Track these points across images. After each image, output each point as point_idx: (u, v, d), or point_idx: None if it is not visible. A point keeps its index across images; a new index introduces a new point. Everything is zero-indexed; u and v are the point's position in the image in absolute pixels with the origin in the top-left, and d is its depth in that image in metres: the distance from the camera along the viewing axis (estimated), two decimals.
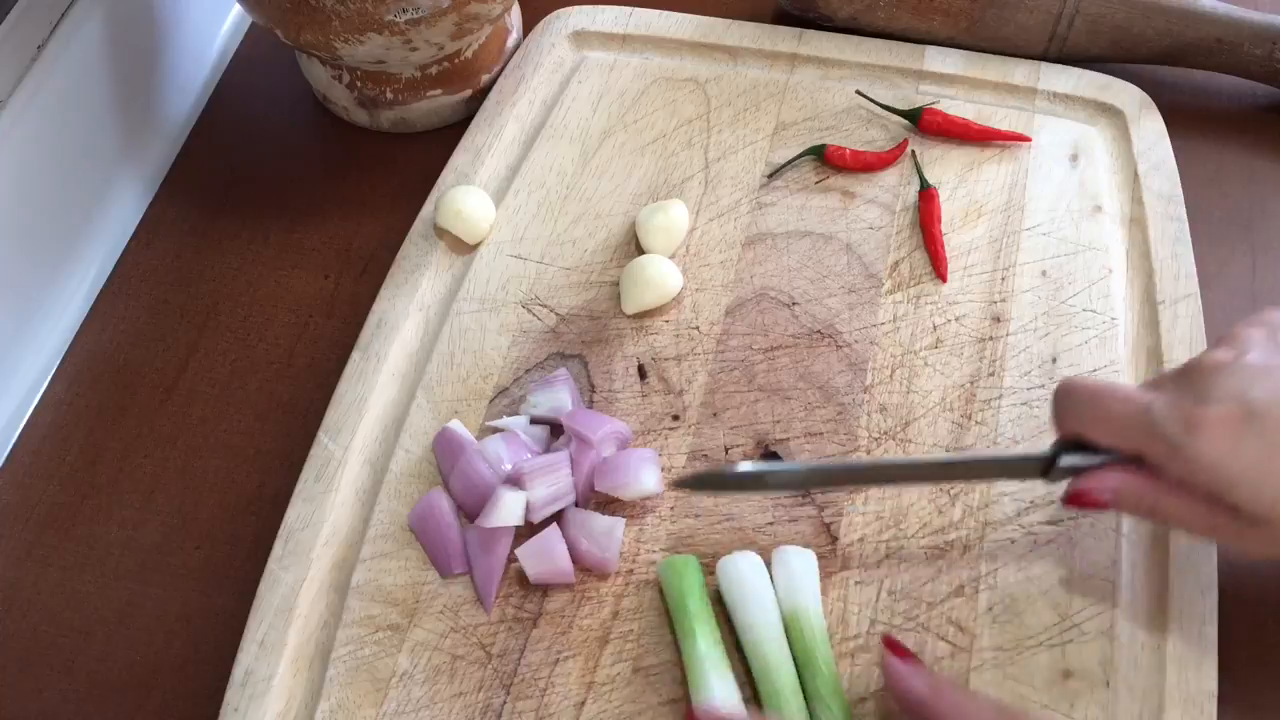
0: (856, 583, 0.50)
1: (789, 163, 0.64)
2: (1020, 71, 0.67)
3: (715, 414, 0.56)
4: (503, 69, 0.70)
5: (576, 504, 0.52)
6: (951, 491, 0.53)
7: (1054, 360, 0.56)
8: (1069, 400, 0.47)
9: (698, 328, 0.58)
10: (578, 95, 0.67)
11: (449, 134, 0.67)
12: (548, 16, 0.71)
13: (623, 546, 0.51)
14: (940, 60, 0.68)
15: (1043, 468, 0.48)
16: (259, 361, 0.61)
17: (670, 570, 0.49)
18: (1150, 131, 0.64)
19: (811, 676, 0.46)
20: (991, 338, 0.57)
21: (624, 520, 0.51)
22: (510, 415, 0.55)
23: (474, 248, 0.62)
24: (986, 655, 0.48)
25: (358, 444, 0.55)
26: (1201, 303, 0.58)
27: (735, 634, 0.48)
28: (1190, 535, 0.48)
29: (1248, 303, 0.61)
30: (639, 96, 0.67)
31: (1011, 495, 0.52)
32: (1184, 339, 0.56)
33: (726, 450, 0.54)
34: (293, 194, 0.68)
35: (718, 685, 0.46)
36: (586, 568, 0.51)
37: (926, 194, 0.62)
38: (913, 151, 0.64)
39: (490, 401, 0.56)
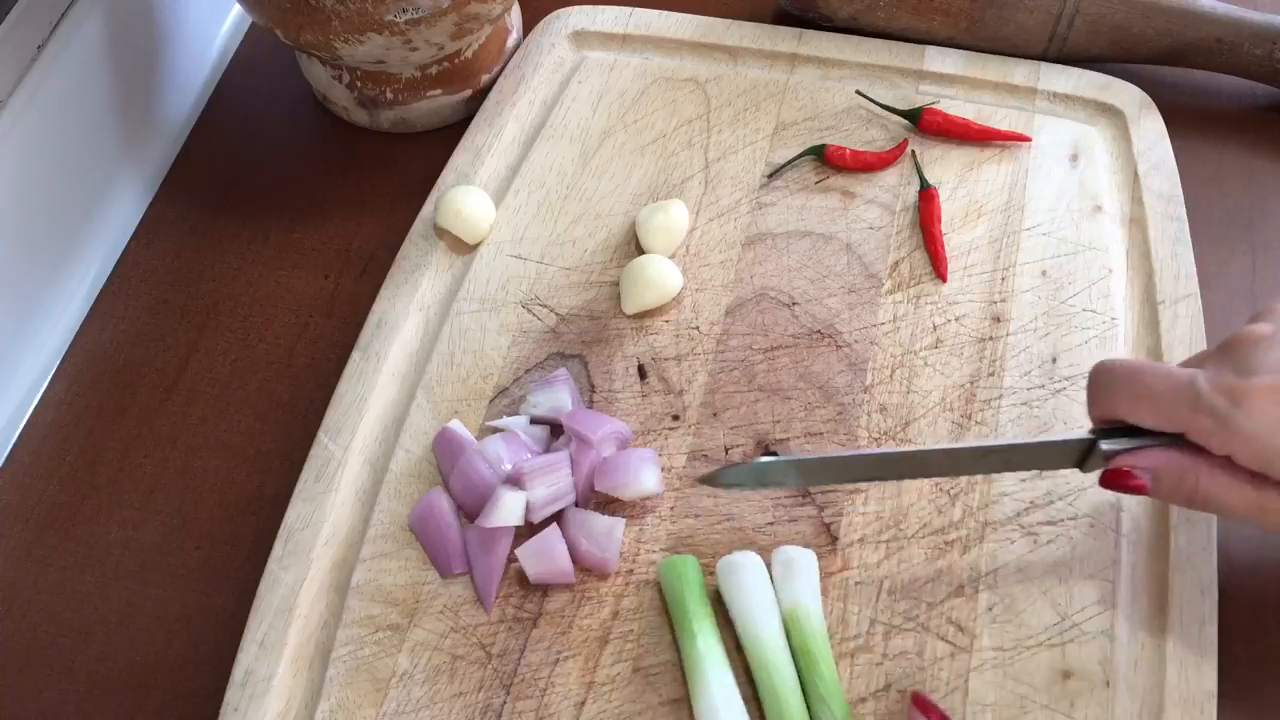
0: (856, 583, 0.50)
1: (789, 163, 0.64)
2: (1020, 71, 0.67)
3: (715, 414, 0.56)
4: (503, 69, 0.70)
5: (576, 504, 0.52)
6: (951, 491, 0.53)
7: (1054, 360, 0.56)
8: (1108, 379, 0.46)
9: (698, 328, 0.58)
10: (578, 95, 0.67)
11: (449, 134, 0.67)
12: (548, 16, 0.71)
13: (623, 546, 0.51)
14: (940, 60, 0.68)
15: (1079, 456, 0.47)
16: (259, 361, 0.61)
17: (670, 570, 0.49)
18: (1150, 131, 0.64)
19: (811, 676, 0.46)
20: (991, 338, 0.57)
21: (624, 520, 0.51)
22: (510, 415, 0.55)
23: (474, 248, 0.62)
24: (986, 655, 0.48)
25: (358, 444, 0.55)
26: (1201, 303, 0.58)
27: (735, 634, 0.48)
28: (1234, 520, 0.46)
29: (1248, 303, 0.61)
30: (639, 96, 0.67)
31: (1011, 495, 0.52)
32: (1184, 339, 0.56)
33: (726, 450, 0.54)
34: (293, 194, 0.68)
35: (718, 685, 0.46)
36: (586, 568, 0.51)
37: (926, 194, 0.62)
38: (913, 151, 0.64)
39: (490, 401, 0.56)
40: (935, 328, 0.58)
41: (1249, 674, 0.49)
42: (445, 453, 0.54)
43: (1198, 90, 0.70)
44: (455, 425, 0.54)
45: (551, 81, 0.68)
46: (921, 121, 0.64)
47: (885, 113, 0.66)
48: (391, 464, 0.54)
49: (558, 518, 0.51)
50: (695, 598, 0.48)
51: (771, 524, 0.52)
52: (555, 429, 0.55)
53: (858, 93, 0.66)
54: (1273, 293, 0.61)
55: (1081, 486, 0.52)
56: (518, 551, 0.50)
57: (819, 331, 0.58)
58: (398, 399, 0.57)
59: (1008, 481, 0.53)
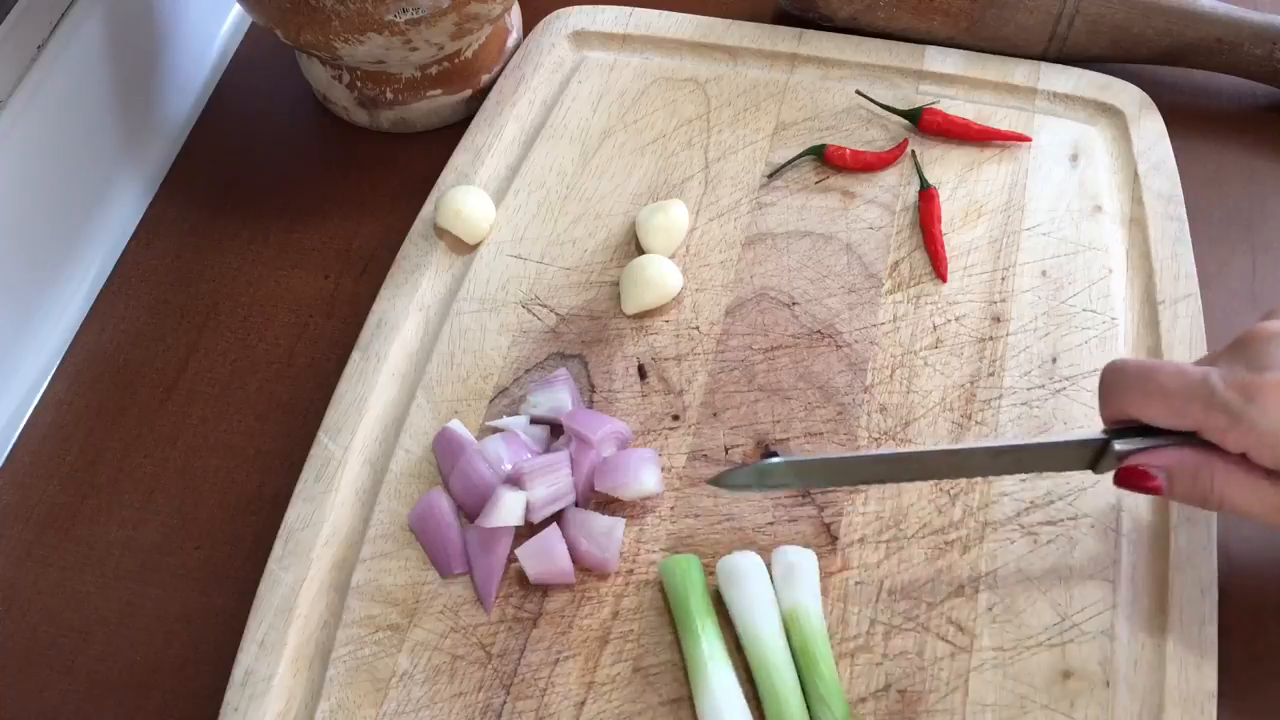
0: (856, 583, 0.50)
1: (789, 163, 0.64)
2: (1020, 71, 0.67)
3: (715, 414, 0.56)
4: (503, 69, 0.70)
5: (576, 504, 0.52)
6: (951, 491, 0.53)
7: (1054, 360, 0.56)
8: (1119, 378, 0.45)
9: (698, 328, 0.58)
10: (578, 95, 0.67)
11: (449, 134, 0.67)
12: (548, 16, 0.71)
13: (623, 546, 0.51)
14: (940, 60, 0.68)
15: (1092, 457, 0.47)
16: (259, 361, 0.61)
17: (672, 569, 0.49)
18: (1150, 131, 0.64)
19: (811, 676, 0.46)
20: (991, 338, 0.57)
21: (624, 520, 0.51)
22: (510, 415, 0.55)
23: (474, 248, 0.62)
24: (986, 655, 0.48)
25: (358, 444, 0.55)
26: (1201, 303, 0.58)
27: (735, 634, 0.48)
28: (1252, 521, 0.45)
29: (1248, 303, 0.61)
30: (639, 96, 0.67)
31: (1011, 495, 0.52)
32: (1184, 339, 0.56)
33: (726, 450, 0.54)
34: (293, 194, 0.68)
35: (720, 685, 0.46)
36: (586, 568, 0.51)
37: (926, 194, 0.62)
38: (913, 151, 0.64)
39: (490, 401, 0.56)
40: (935, 328, 0.58)
41: (1249, 674, 0.49)
42: (445, 453, 0.54)
43: (1198, 90, 0.70)
44: (455, 425, 0.54)
45: (551, 81, 0.68)
46: (921, 121, 0.64)
47: (885, 113, 0.66)
48: (391, 464, 0.54)
49: (558, 518, 0.51)
50: (698, 598, 0.48)
51: (771, 524, 0.52)
52: (555, 429, 0.55)
53: (858, 93, 0.66)
54: (1273, 292, 0.61)
55: (1081, 486, 0.52)
56: (518, 551, 0.50)
57: (819, 331, 0.58)
58: (398, 399, 0.57)
59: (1008, 481, 0.53)
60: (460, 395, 0.56)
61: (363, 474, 0.54)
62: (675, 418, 0.56)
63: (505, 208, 0.63)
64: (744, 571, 0.49)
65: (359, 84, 0.67)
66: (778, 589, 0.49)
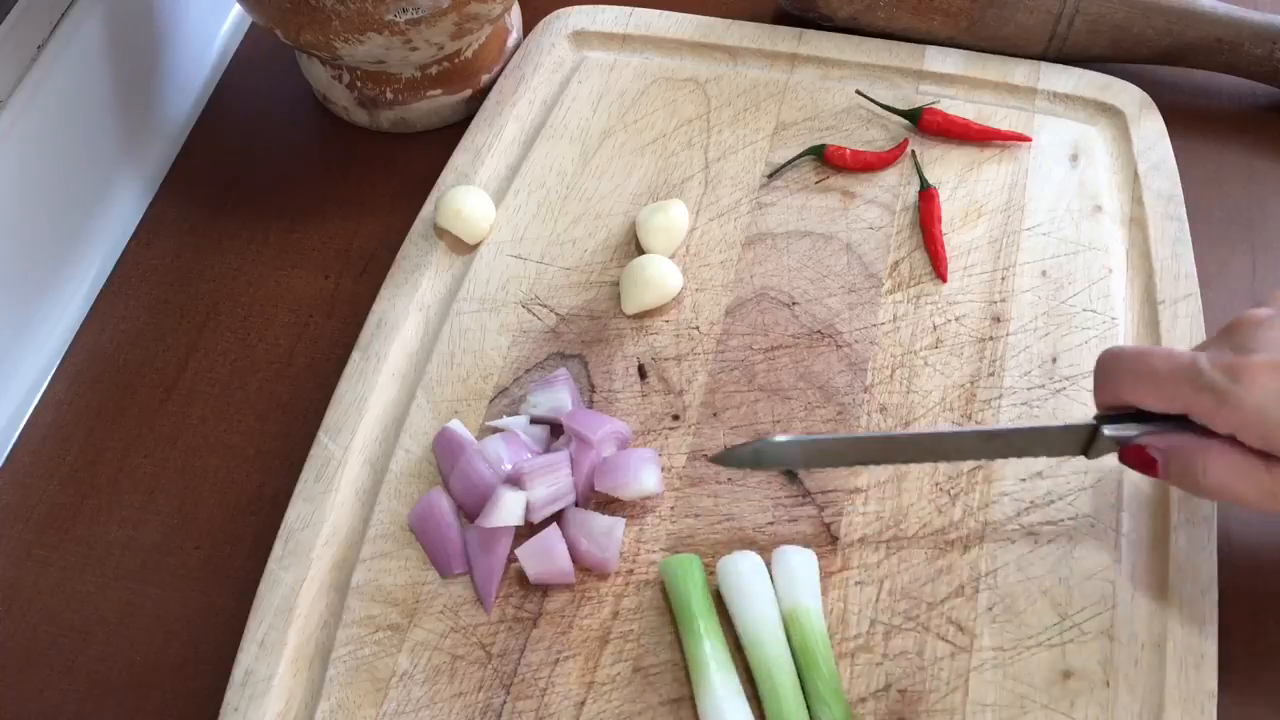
0: (856, 583, 0.50)
1: (789, 163, 0.64)
2: (1020, 71, 0.67)
3: (715, 414, 0.56)
4: (503, 69, 0.70)
5: (576, 504, 0.52)
6: (951, 491, 0.53)
7: (1054, 360, 0.56)
8: (1114, 364, 0.47)
9: (698, 328, 0.58)
10: (578, 95, 0.67)
11: (449, 134, 0.67)
12: (548, 16, 0.71)
13: (623, 546, 0.52)
14: (940, 60, 0.68)
15: (1083, 442, 0.48)
16: (259, 361, 0.61)
17: (673, 569, 0.49)
18: (1150, 131, 0.64)
19: (811, 676, 0.46)
20: (991, 338, 0.57)
21: (624, 520, 0.51)
22: (510, 415, 0.55)
23: (474, 248, 0.62)
24: (986, 655, 0.48)
25: (358, 444, 0.55)
26: (1201, 303, 0.58)
27: (735, 633, 0.48)
28: (1245, 508, 0.46)
29: (1248, 303, 0.60)
30: (639, 96, 0.67)
31: (1011, 495, 0.52)
32: (1184, 339, 0.56)
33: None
34: (293, 194, 0.68)
35: (722, 685, 0.46)
36: (586, 568, 0.51)
37: (926, 194, 0.62)
38: (913, 151, 0.64)
39: (490, 401, 0.56)
40: (935, 328, 0.58)
41: (1249, 674, 0.49)
42: (445, 453, 0.54)
43: (1198, 90, 0.70)
44: (455, 425, 0.54)
45: (551, 81, 0.68)
46: (921, 121, 0.64)
47: (885, 113, 0.66)
48: (391, 464, 0.54)
49: (558, 518, 0.51)
50: (699, 597, 0.48)
51: (771, 524, 0.52)
52: (555, 429, 0.55)
53: (858, 93, 0.66)
54: (1273, 293, 0.61)
55: (1082, 486, 0.52)
56: (518, 551, 0.50)
57: (819, 331, 0.58)
58: (398, 399, 0.57)
59: (1008, 481, 0.53)
60: (460, 395, 0.56)
61: (363, 474, 0.54)
62: (675, 418, 0.56)
63: (505, 208, 0.63)
64: (744, 571, 0.49)
65: (359, 84, 0.67)
66: (778, 589, 0.49)
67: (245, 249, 0.66)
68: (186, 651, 0.53)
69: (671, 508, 0.53)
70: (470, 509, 0.52)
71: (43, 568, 0.55)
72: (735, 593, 0.49)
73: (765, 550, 0.50)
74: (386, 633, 0.50)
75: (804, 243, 0.61)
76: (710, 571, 0.50)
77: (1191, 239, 0.60)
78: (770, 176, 0.64)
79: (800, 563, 0.49)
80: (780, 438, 0.50)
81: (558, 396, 0.55)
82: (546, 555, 0.50)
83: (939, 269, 0.59)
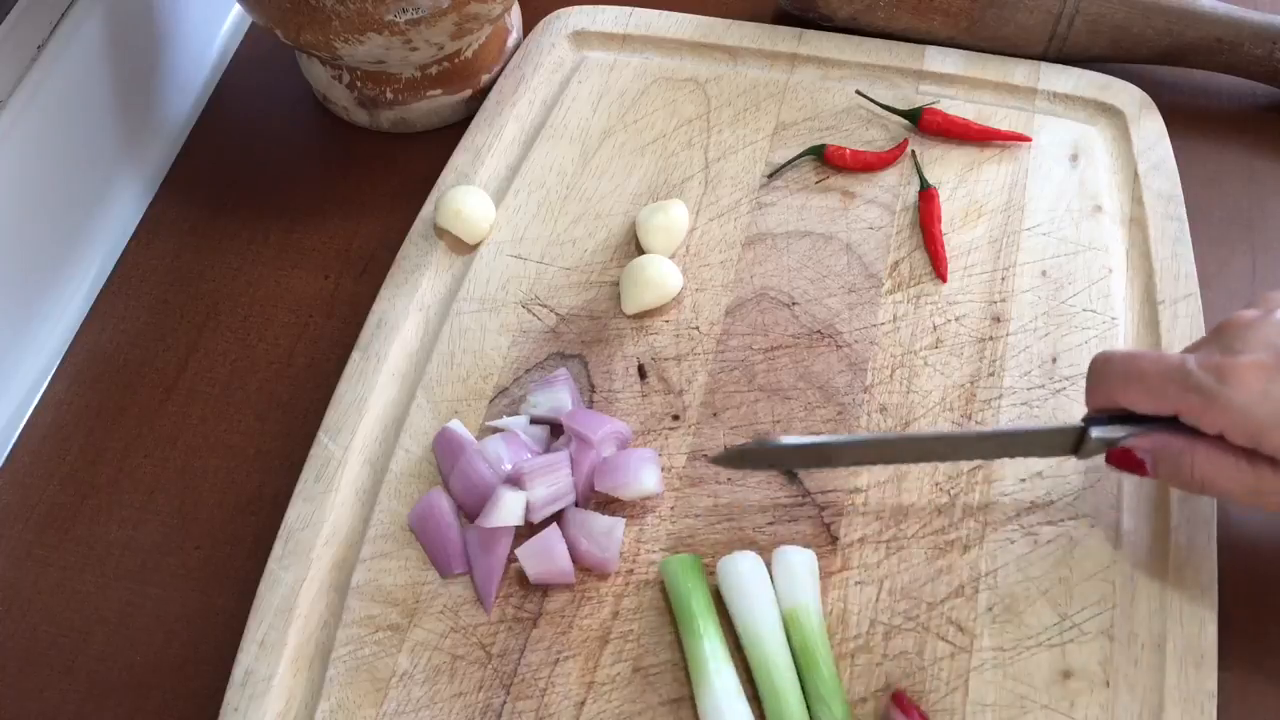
0: (856, 583, 0.50)
1: (789, 163, 0.64)
2: (1020, 71, 0.67)
3: (715, 414, 0.56)
4: (503, 69, 0.70)
5: (576, 504, 0.52)
6: (951, 491, 0.53)
7: (1054, 360, 0.56)
8: (1106, 367, 0.48)
9: (698, 328, 0.58)
10: (578, 95, 0.67)
11: (449, 134, 0.67)
12: (548, 16, 0.71)
13: (623, 546, 0.52)
14: (940, 60, 0.68)
15: (1073, 443, 0.49)
16: (259, 361, 0.61)
17: (673, 569, 0.49)
18: (1150, 131, 0.64)
19: (811, 676, 0.46)
20: (991, 338, 0.57)
21: (624, 520, 0.51)
22: (510, 415, 0.55)
23: (474, 248, 0.62)
24: (986, 655, 0.48)
25: (358, 444, 0.55)
26: (1201, 303, 0.58)
27: (735, 633, 0.48)
28: (1233, 504, 0.48)
29: (1247, 303, 0.60)
30: (639, 96, 0.67)
31: (1011, 495, 0.52)
32: (1184, 339, 0.56)
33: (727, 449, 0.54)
34: (293, 194, 0.68)
35: (722, 685, 0.46)
36: (586, 568, 0.51)
37: (926, 194, 0.62)
38: (913, 151, 0.64)
39: (490, 401, 0.56)
40: (935, 328, 0.58)
41: (1249, 674, 0.49)
42: (445, 453, 0.54)
43: (1198, 90, 0.70)
44: (455, 425, 0.54)
45: (551, 81, 0.68)
46: (921, 121, 0.64)
47: (885, 113, 0.66)
48: (391, 464, 0.54)
49: (558, 518, 0.51)
50: (699, 597, 0.48)
51: (771, 524, 0.52)
52: (555, 429, 0.55)
53: (858, 93, 0.66)
54: (1262, 295, 0.61)
55: (1081, 486, 0.52)
56: (518, 551, 0.50)
57: (819, 331, 0.58)
58: (398, 399, 0.57)
59: (1008, 482, 0.53)
60: (460, 395, 0.56)
61: (363, 474, 0.54)
62: (675, 418, 0.56)
63: (505, 208, 0.63)
64: (744, 572, 0.49)
65: (359, 84, 0.67)
66: (778, 589, 0.49)
67: (245, 249, 0.66)
68: (186, 651, 0.53)
69: (671, 508, 0.53)
70: (470, 509, 0.52)
71: (43, 568, 0.55)
72: (735, 593, 0.49)
73: (765, 550, 0.50)
74: (386, 633, 0.50)
75: (804, 243, 0.61)
76: (710, 571, 0.50)
77: (1191, 239, 0.60)
78: (770, 176, 0.64)
79: (800, 562, 0.49)
80: (778, 439, 0.51)
81: (558, 396, 0.55)
82: (546, 555, 0.50)
83: (939, 269, 0.59)
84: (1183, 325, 0.57)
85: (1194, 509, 0.51)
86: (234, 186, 0.69)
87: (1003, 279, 0.59)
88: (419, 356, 0.58)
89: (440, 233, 0.62)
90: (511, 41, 0.71)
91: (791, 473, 0.53)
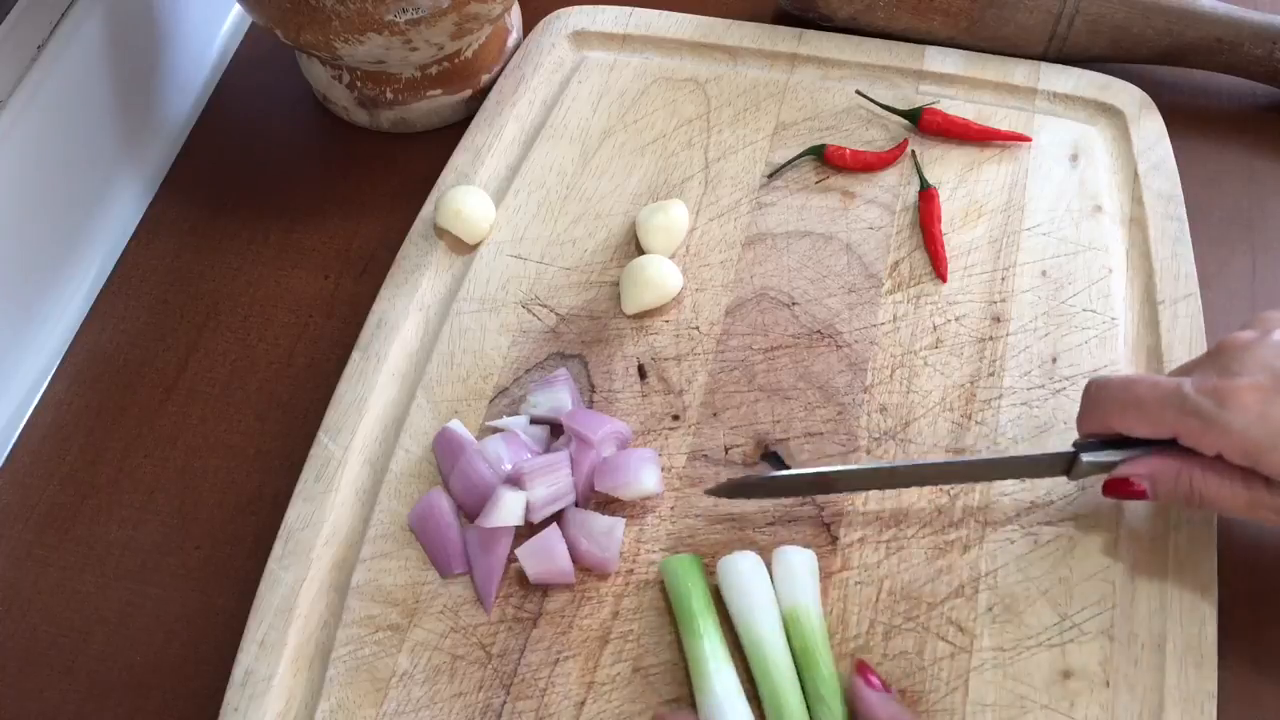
0: (856, 583, 0.50)
1: (789, 163, 0.64)
2: (1020, 71, 0.67)
3: (715, 414, 0.56)
4: (503, 69, 0.70)
5: (576, 504, 0.52)
6: (951, 492, 0.53)
7: (1054, 360, 0.56)
8: (1101, 394, 0.48)
9: (698, 328, 0.58)
10: (578, 95, 0.67)
11: (449, 134, 0.67)
12: (548, 16, 0.71)
13: (623, 546, 0.51)
14: (940, 60, 0.68)
15: (1065, 466, 0.49)
16: (259, 361, 0.61)
17: (673, 569, 0.49)
18: (1150, 131, 0.64)
19: (811, 676, 0.46)
20: (991, 338, 0.57)
21: (624, 520, 0.51)
22: (510, 415, 0.55)
23: (474, 248, 0.62)
24: (986, 655, 0.48)
25: (358, 444, 0.55)
26: (1201, 303, 0.58)
27: (735, 634, 0.48)
28: (1228, 515, 0.49)
29: (1247, 303, 0.61)
30: (639, 96, 0.67)
31: (1011, 495, 0.52)
32: (1184, 339, 0.56)
33: (726, 450, 0.54)
34: (293, 194, 0.68)
35: (722, 684, 0.46)
36: (586, 568, 0.51)
37: (926, 194, 0.62)
38: (913, 151, 0.64)
39: (490, 401, 0.56)
40: (935, 328, 0.58)
41: (1249, 674, 0.49)
42: (445, 453, 0.54)
43: (1198, 90, 0.70)
44: (455, 425, 0.54)
45: (551, 81, 0.68)
46: (921, 121, 0.64)
47: (885, 113, 0.66)
48: (391, 464, 0.54)
49: (558, 518, 0.51)
50: (699, 597, 0.48)
51: (771, 524, 0.52)
52: (555, 429, 0.55)
53: (858, 93, 0.66)
54: (1273, 293, 0.61)
55: (1082, 486, 0.52)
56: (518, 551, 0.50)
57: (819, 331, 0.58)
58: (398, 399, 0.57)
59: (1008, 482, 0.53)
60: (460, 395, 0.56)
61: (363, 474, 0.54)
62: (675, 418, 0.56)
63: (505, 208, 0.63)
64: (744, 572, 0.49)
65: (359, 84, 0.67)
66: (778, 589, 0.49)
67: (245, 249, 0.66)
68: (186, 651, 0.53)
69: (671, 508, 0.53)
70: (470, 509, 0.52)
71: (43, 568, 0.55)
72: (735, 592, 0.49)
73: (765, 550, 0.50)
74: (386, 633, 0.50)
75: (804, 243, 0.61)
76: (710, 571, 0.50)
77: (1191, 239, 0.60)
78: (770, 176, 0.64)
79: (800, 563, 0.49)
80: (769, 474, 0.51)
81: (558, 396, 0.55)
82: (546, 555, 0.50)
83: (939, 269, 0.59)
84: (1183, 325, 0.57)
85: (1193, 511, 0.51)
86: (234, 186, 0.69)
87: (1003, 279, 0.59)
88: (419, 356, 0.58)
89: (440, 233, 0.62)
90: (511, 41, 0.71)
91: None
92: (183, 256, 0.66)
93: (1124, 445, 0.48)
